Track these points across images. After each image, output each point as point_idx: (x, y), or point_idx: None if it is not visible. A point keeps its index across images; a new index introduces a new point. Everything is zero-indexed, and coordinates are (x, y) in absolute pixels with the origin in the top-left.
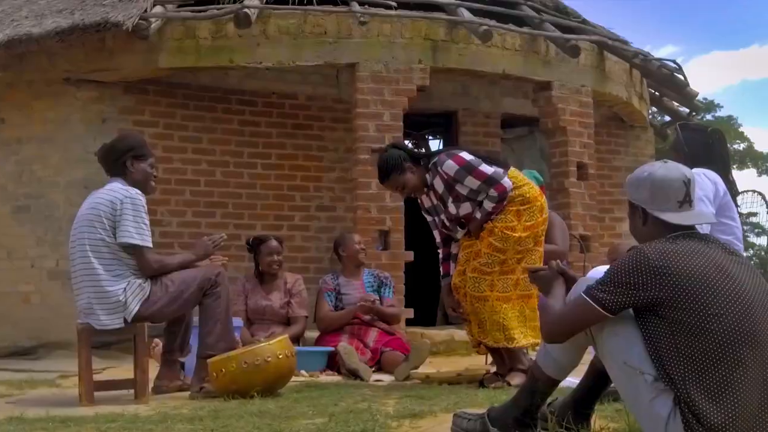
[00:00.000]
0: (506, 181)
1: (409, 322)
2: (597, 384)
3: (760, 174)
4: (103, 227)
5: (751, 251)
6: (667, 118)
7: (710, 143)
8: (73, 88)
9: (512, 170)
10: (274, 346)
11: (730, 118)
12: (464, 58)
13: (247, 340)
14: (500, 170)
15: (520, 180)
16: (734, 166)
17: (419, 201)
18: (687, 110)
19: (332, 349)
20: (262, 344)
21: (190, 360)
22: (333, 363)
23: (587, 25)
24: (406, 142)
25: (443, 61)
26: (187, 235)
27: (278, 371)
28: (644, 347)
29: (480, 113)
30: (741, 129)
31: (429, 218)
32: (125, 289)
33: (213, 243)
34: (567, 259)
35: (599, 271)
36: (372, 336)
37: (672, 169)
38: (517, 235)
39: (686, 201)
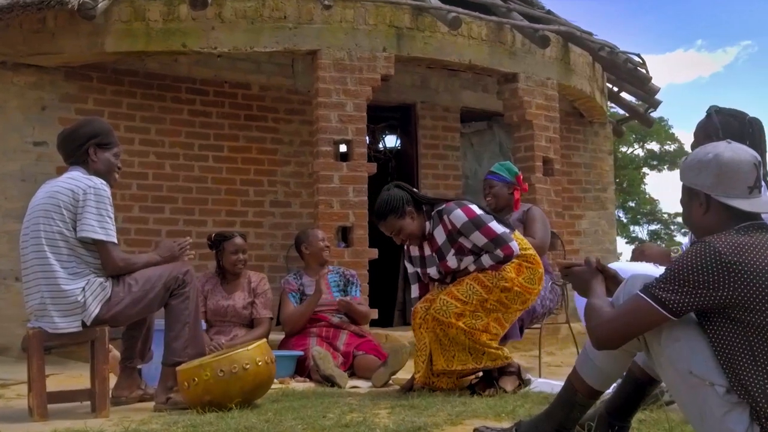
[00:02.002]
0: (514, 244)
1: (369, 323)
2: (635, 394)
3: None
4: (62, 219)
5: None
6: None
7: (749, 132)
8: (9, 72)
9: (516, 233)
10: (253, 351)
11: (661, 119)
12: (430, 47)
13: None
14: (508, 231)
15: (525, 244)
16: (665, 167)
17: (405, 249)
18: (645, 106)
19: (301, 353)
20: (240, 350)
21: (148, 367)
22: (302, 368)
23: (552, 15)
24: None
25: (408, 49)
26: (134, 232)
27: (257, 380)
28: (712, 354)
29: (439, 106)
30: (672, 131)
31: (411, 269)
32: (84, 288)
33: (179, 246)
34: (545, 255)
35: (634, 268)
36: (342, 339)
37: (740, 150)
38: (509, 284)
39: (756, 186)
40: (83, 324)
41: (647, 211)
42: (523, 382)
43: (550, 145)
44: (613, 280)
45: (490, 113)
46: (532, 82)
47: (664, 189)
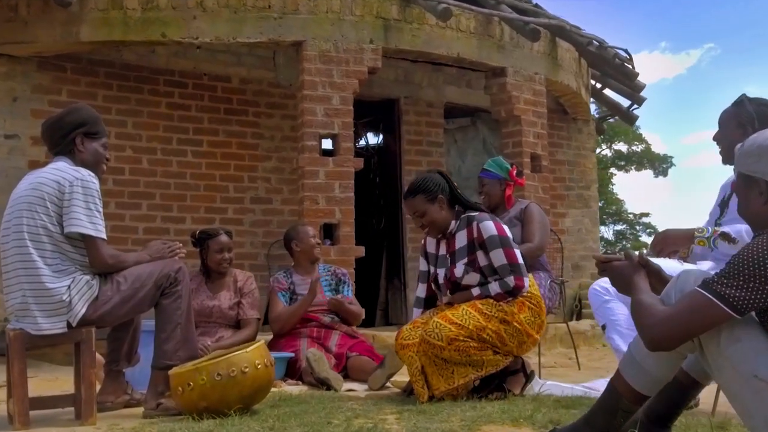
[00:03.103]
0: (527, 280)
1: None
2: (678, 398)
3: (656, 175)
4: (47, 213)
5: (645, 250)
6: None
7: None
8: None
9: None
10: (252, 353)
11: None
12: (418, 40)
13: None
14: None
15: (534, 288)
16: (633, 167)
17: (424, 241)
18: (628, 103)
19: (292, 354)
20: (238, 352)
21: (132, 371)
22: (293, 371)
23: (540, 9)
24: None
25: (396, 41)
26: (110, 229)
27: (256, 384)
28: None
29: (422, 101)
30: (639, 131)
31: (423, 267)
32: (69, 286)
33: (170, 249)
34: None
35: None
36: (334, 339)
37: None
38: (508, 317)
39: None
40: (69, 325)
41: (613, 211)
42: (528, 378)
43: (538, 141)
44: (656, 277)
45: (474, 109)
46: (520, 76)
47: (630, 189)
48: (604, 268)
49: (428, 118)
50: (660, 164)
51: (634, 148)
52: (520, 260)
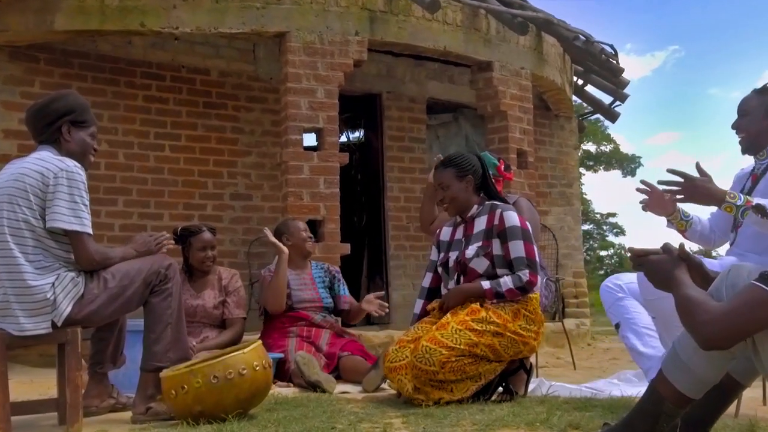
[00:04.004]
0: (540, 278)
1: None
2: (718, 401)
3: (624, 175)
4: (29, 206)
5: (611, 250)
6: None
7: None
8: None
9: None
10: (249, 355)
11: (597, 120)
12: (404, 32)
13: None
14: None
15: (536, 293)
16: (601, 167)
17: (438, 231)
18: (610, 99)
19: (281, 355)
20: (235, 353)
21: (115, 374)
22: (282, 372)
23: (525, 2)
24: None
25: (381, 33)
26: None
27: (254, 387)
28: None
29: (405, 96)
30: (607, 131)
31: (434, 256)
32: (54, 284)
33: (156, 241)
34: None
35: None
36: (324, 338)
37: None
38: (500, 329)
39: None
40: (53, 325)
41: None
42: (528, 373)
43: (524, 137)
44: (697, 271)
45: (456, 105)
46: (506, 71)
47: (598, 189)
48: (641, 262)
49: (411, 114)
50: (629, 164)
51: (602, 148)
52: (537, 258)
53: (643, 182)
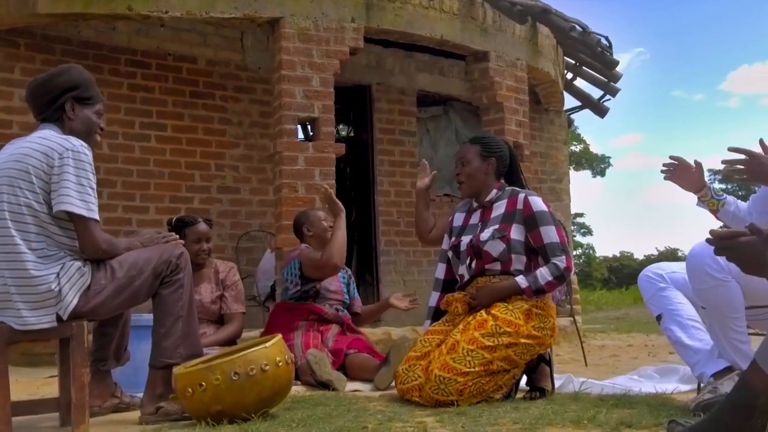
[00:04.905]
0: (571, 262)
1: None
2: None
3: (594, 175)
4: (32, 189)
5: (580, 250)
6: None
7: None
8: None
9: None
10: (272, 349)
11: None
12: (400, 20)
13: None
14: None
15: None
16: (572, 167)
17: (451, 218)
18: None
19: None
20: (256, 348)
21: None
22: None
23: None
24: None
25: (377, 21)
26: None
27: (276, 384)
28: None
29: (394, 88)
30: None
31: (446, 245)
32: (59, 274)
33: (164, 240)
34: None
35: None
36: (332, 332)
37: None
38: (513, 338)
39: None
40: (58, 318)
41: None
42: (549, 363)
43: (520, 129)
44: None
45: (446, 97)
46: (502, 62)
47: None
48: (728, 245)
49: (401, 106)
50: (598, 164)
51: (573, 148)
52: (564, 240)
53: (672, 157)
